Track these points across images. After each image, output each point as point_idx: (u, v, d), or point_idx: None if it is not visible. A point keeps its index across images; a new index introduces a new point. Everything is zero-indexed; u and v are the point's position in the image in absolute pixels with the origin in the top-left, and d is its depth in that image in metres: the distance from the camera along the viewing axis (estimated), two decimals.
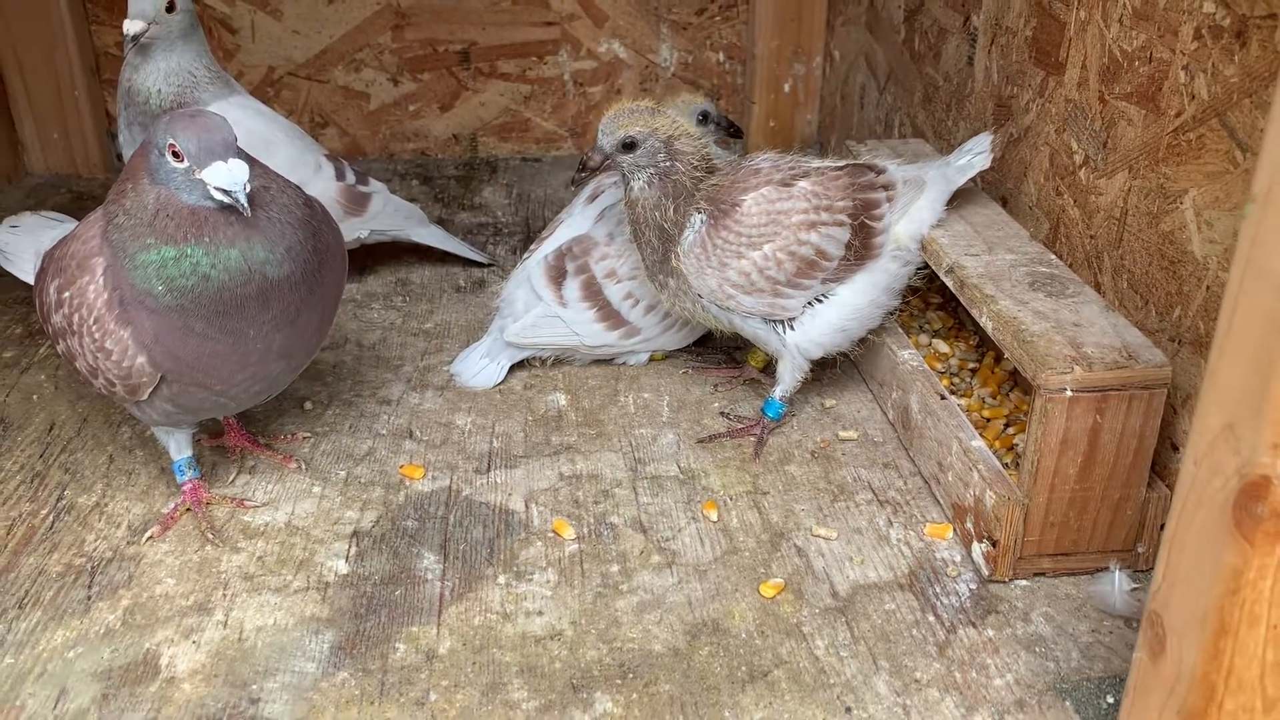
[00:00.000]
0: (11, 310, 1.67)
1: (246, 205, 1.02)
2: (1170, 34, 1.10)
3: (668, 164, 1.29)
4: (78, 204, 2.06)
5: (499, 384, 1.50)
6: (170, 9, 1.47)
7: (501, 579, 1.14)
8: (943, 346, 1.45)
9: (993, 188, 1.50)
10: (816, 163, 1.37)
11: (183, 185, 1.02)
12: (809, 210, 1.30)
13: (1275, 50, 0.95)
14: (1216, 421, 0.75)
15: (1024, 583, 1.14)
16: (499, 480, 1.30)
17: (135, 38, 1.45)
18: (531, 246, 1.55)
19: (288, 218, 1.09)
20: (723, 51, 2.31)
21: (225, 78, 1.58)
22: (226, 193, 1.01)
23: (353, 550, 1.18)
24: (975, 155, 1.36)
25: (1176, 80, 1.09)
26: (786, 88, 2.28)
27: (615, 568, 1.16)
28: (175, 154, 1.01)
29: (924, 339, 1.47)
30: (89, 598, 1.11)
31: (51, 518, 1.23)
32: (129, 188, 1.05)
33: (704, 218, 1.30)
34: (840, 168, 1.36)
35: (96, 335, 1.08)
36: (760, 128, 2.31)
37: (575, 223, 1.51)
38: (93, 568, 1.15)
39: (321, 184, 1.63)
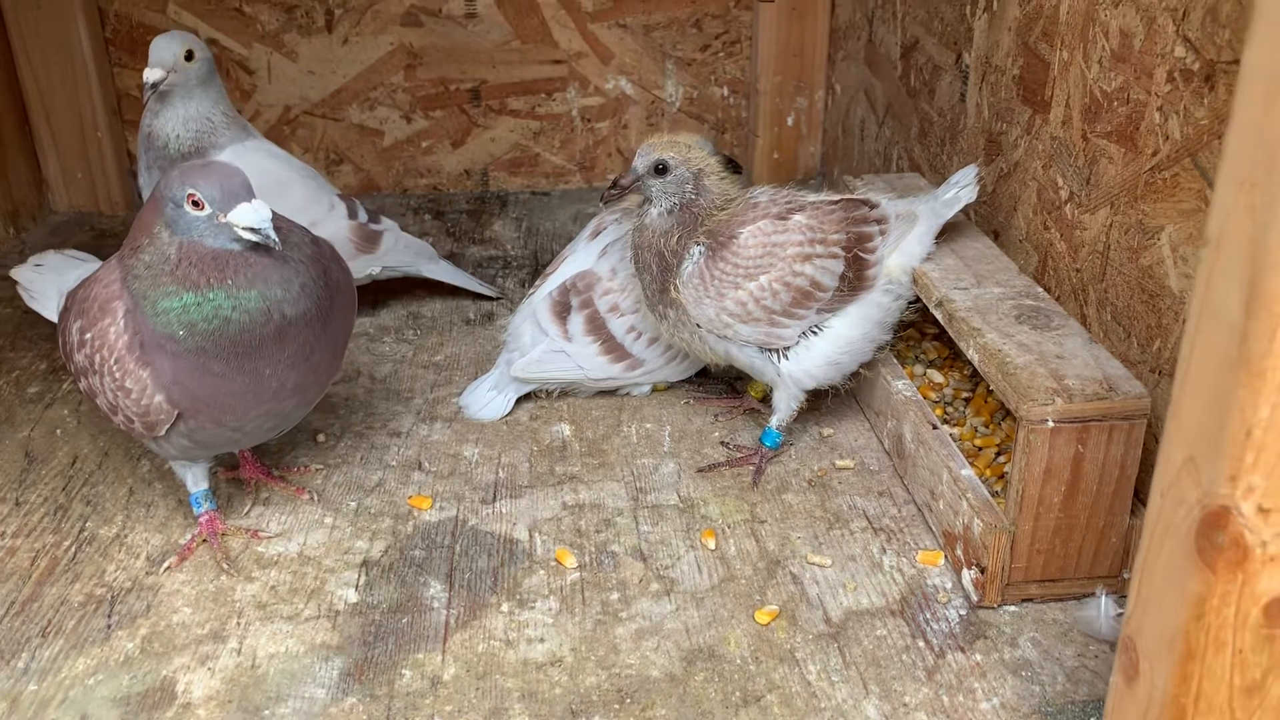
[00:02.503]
0: (36, 346, 1.72)
1: (277, 240, 1.07)
2: (1145, 76, 1.13)
3: (693, 195, 1.34)
4: (100, 241, 2.13)
5: (506, 415, 1.54)
6: (189, 57, 1.53)
7: (505, 607, 1.18)
8: (937, 376, 1.48)
9: (985, 221, 1.54)
10: (812, 197, 1.41)
11: (207, 231, 1.08)
12: (804, 243, 1.34)
13: None
14: (1179, 454, 0.78)
15: (1012, 608, 1.17)
16: (504, 510, 1.34)
17: (155, 85, 1.51)
18: (537, 281, 1.59)
19: (300, 255, 1.14)
20: (727, 86, 2.36)
21: (241, 122, 1.64)
22: (255, 230, 1.06)
23: (362, 579, 1.22)
24: (961, 189, 1.40)
25: (1152, 121, 1.13)
26: (790, 121, 2.33)
27: (615, 595, 1.20)
28: (195, 203, 1.06)
29: (919, 369, 1.50)
30: (109, 626, 1.16)
31: (74, 549, 1.27)
32: (145, 242, 1.11)
33: (702, 249, 1.34)
34: (835, 202, 1.40)
35: (117, 375, 1.13)
36: (764, 159, 2.36)
37: (579, 258, 1.55)
38: (113, 597, 1.20)
39: (335, 223, 1.68)
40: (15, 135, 2.16)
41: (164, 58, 1.51)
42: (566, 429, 1.52)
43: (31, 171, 2.22)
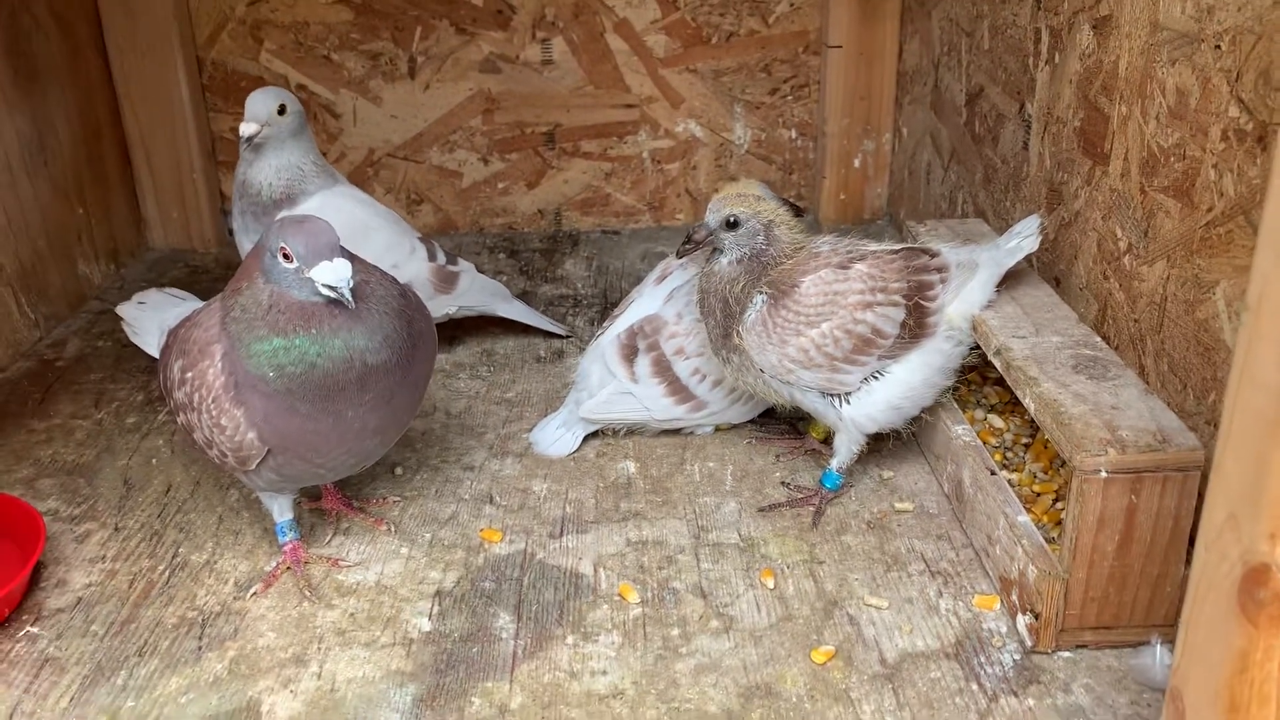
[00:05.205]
0: (134, 379, 1.83)
1: (351, 299, 1.14)
2: (1201, 134, 1.16)
3: (764, 246, 1.39)
4: (193, 277, 2.24)
5: (574, 452, 1.60)
6: (282, 111, 1.62)
7: (570, 639, 1.23)
8: (998, 421, 1.50)
9: (1047, 268, 1.56)
10: (874, 246, 1.45)
11: (293, 283, 1.16)
12: (865, 291, 1.38)
13: None
14: (1222, 511, 0.81)
15: (1067, 654, 1.19)
16: (570, 545, 1.40)
17: (249, 139, 1.60)
18: (604, 323, 1.65)
19: (385, 308, 1.21)
20: (795, 129, 2.41)
21: (330, 170, 1.73)
22: (333, 288, 1.14)
23: (435, 609, 1.28)
24: (1024, 239, 1.43)
25: (1207, 178, 1.15)
26: (857, 163, 2.36)
27: (676, 631, 1.24)
28: (286, 256, 1.14)
29: (979, 413, 1.52)
30: (200, 648, 1.23)
31: (167, 573, 1.36)
32: (244, 285, 1.19)
33: (765, 298, 1.39)
34: (896, 251, 1.44)
35: (214, 413, 1.21)
36: (831, 201, 2.40)
37: (646, 302, 1.61)
38: (203, 620, 1.27)
39: (415, 264, 1.76)
40: (118, 176, 2.29)
41: (259, 113, 1.60)
42: (631, 466, 1.57)
43: (131, 211, 2.34)
